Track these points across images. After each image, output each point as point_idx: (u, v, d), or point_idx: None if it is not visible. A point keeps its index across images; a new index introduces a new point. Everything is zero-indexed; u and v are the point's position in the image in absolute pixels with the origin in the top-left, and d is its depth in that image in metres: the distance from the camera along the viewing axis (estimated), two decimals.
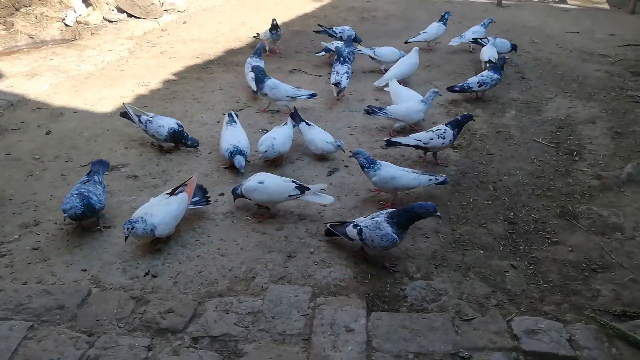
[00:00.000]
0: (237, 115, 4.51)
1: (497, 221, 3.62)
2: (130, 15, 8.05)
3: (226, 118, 4.45)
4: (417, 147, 4.23)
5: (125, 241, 3.12)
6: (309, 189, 3.53)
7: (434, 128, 4.25)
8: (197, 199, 3.54)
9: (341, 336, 2.55)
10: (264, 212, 3.66)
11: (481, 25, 6.98)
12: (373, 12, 9.13)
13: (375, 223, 3.05)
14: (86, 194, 3.28)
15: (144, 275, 2.98)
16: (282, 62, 6.75)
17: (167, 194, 3.40)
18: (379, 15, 8.92)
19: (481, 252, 3.32)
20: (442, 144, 4.16)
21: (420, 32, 7.01)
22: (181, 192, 3.41)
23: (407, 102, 4.89)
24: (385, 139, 4.37)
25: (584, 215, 3.67)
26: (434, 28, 6.97)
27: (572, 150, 4.51)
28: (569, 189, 3.98)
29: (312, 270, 3.12)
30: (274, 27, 6.61)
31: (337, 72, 5.49)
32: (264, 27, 7.17)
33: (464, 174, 4.19)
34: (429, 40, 7.01)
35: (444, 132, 4.14)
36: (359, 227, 3.10)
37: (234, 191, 3.62)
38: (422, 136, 4.18)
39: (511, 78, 6.15)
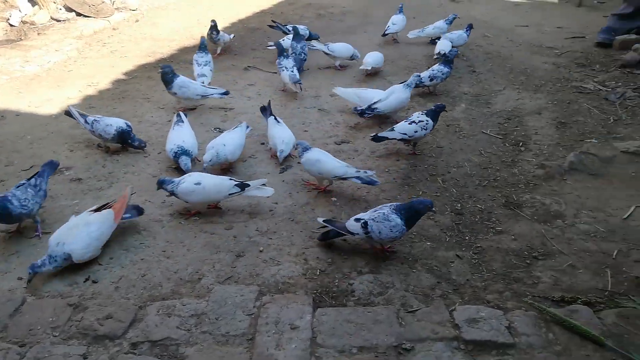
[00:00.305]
0: (185, 115, 4.43)
1: (444, 213, 3.68)
2: (79, 14, 7.81)
3: (174, 118, 4.37)
4: (403, 140, 4.36)
5: (28, 284, 2.85)
6: (249, 185, 3.52)
7: (415, 119, 4.32)
8: (129, 215, 3.35)
9: (285, 334, 2.54)
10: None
11: (445, 21, 7.09)
12: (330, 9, 9.14)
13: (382, 215, 3.09)
14: (9, 197, 3.14)
15: (84, 282, 2.89)
16: (237, 59, 6.69)
17: (90, 210, 3.19)
18: (336, 12, 8.93)
19: (428, 243, 3.36)
20: (425, 134, 4.34)
21: (390, 25, 7.11)
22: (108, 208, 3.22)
23: (373, 98, 4.89)
24: (372, 135, 4.41)
25: (528, 204, 3.77)
26: (401, 20, 7.13)
27: (519, 141, 4.63)
28: (514, 179, 4.08)
29: (261, 268, 3.10)
30: (213, 27, 6.48)
31: (286, 67, 5.46)
32: (219, 25, 7.07)
33: (414, 167, 4.24)
34: (397, 32, 7.17)
35: (426, 124, 4.29)
36: (362, 221, 3.12)
37: (161, 184, 3.49)
38: (407, 129, 4.29)
39: (462, 72, 6.26)
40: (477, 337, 2.54)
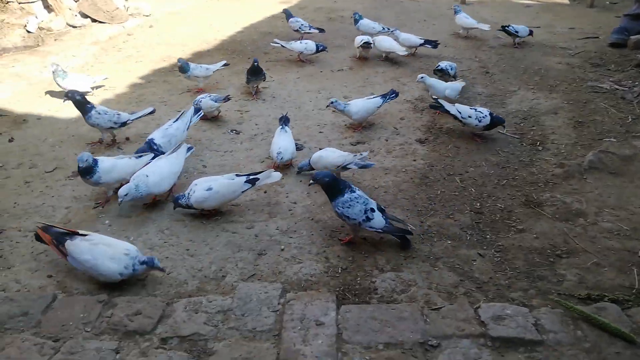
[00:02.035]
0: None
1: (464, 212, 3.68)
2: (94, 20, 7.91)
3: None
4: (455, 117, 4.60)
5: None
6: (259, 178, 3.56)
7: (477, 108, 4.58)
8: None
9: (311, 330, 2.56)
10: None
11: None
12: (340, 12, 9.19)
13: None
14: None
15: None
16: (250, 62, 6.73)
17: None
18: (346, 15, 8.96)
19: (449, 242, 3.37)
20: (476, 125, 4.52)
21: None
22: None
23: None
24: (433, 98, 4.78)
25: (548, 202, 3.77)
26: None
27: (536, 141, 4.63)
28: (533, 177, 4.08)
29: (283, 267, 3.13)
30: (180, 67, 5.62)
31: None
32: (231, 29, 7.17)
33: (431, 167, 4.25)
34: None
35: (483, 117, 4.48)
36: None
37: (176, 201, 3.50)
38: (463, 109, 4.55)
39: (475, 73, 6.28)
40: (504, 334, 2.54)
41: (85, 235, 2.91)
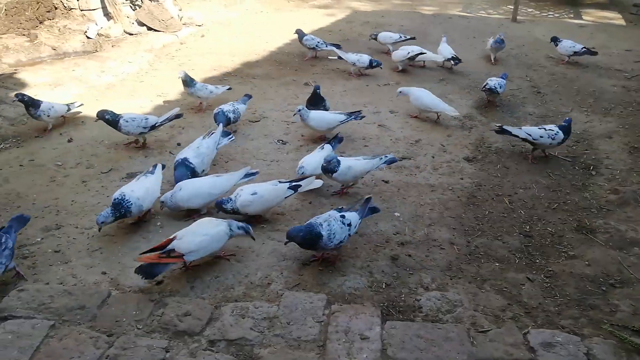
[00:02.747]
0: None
1: (512, 234, 3.61)
2: (150, 29, 8.23)
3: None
4: (525, 140, 4.52)
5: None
6: (301, 185, 3.62)
7: (546, 127, 4.52)
8: None
9: (356, 343, 2.56)
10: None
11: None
12: (387, 27, 9.20)
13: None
14: None
15: (156, 284, 3.02)
16: (297, 74, 6.85)
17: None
18: (394, 30, 8.99)
19: (497, 264, 3.31)
20: (550, 143, 4.46)
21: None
22: None
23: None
24: (497, 125, 4.71)
25: (601, 229, 3.64)
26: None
27: (589, 165, 4.50)
28: (586, 203, 3.96)
29: (327, 278, 3.14)
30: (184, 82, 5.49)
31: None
32: (279, 41, 7.30)
33: (479, 186, 4.19)
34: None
35: (555, 134, 4.43)
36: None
37: (220, 206, 3.57)
38: (533, 131, 4.49)
39: (526, 92, 6.16)
40: None
41: (175, 237, 3.03)
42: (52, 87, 5.94)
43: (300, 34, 7.36)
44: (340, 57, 6.74)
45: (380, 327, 2.67)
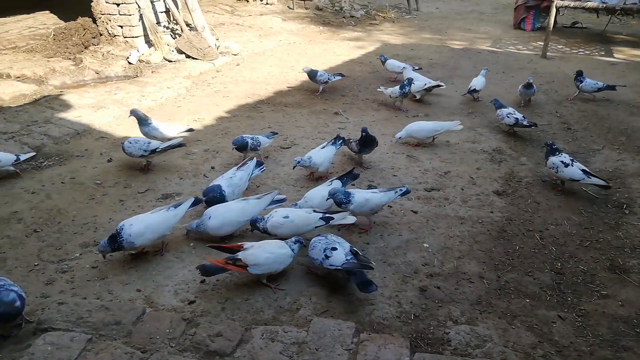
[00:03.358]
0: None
1: (543, 270, 3.57)
2: (188, 56, 8.57)
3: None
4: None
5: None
6: (333, 218, 3.64)
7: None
8: None
9: None
10: None
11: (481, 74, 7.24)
12: (417, 60, 9.36)
13: None
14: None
15: (188, 303, 3.09)
16: (328, 104, 7.00)
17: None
18: (423, 63, 9.13)
19: (527, 300, 3.27)
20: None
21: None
22: None
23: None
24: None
25: (635, 269, 3.58)
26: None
27: (622, 203, 4.43)
28: (619, 242, 3.90)
29: (355, 306, 3.16)
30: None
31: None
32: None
33: (510, 221, 4.17)
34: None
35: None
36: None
37: (254, 224, 3.68)
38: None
39: (556, 128, 6.15)
40: None
41: (243, 247, 3.30)
42: (95, 109, 6.23)
43: (309, 73, 7.23)
44: (382, 90, 6.85)
45: (409, 359, 2.67)
